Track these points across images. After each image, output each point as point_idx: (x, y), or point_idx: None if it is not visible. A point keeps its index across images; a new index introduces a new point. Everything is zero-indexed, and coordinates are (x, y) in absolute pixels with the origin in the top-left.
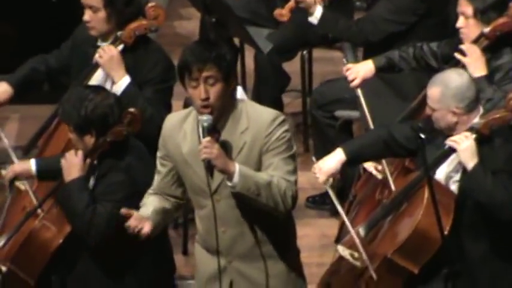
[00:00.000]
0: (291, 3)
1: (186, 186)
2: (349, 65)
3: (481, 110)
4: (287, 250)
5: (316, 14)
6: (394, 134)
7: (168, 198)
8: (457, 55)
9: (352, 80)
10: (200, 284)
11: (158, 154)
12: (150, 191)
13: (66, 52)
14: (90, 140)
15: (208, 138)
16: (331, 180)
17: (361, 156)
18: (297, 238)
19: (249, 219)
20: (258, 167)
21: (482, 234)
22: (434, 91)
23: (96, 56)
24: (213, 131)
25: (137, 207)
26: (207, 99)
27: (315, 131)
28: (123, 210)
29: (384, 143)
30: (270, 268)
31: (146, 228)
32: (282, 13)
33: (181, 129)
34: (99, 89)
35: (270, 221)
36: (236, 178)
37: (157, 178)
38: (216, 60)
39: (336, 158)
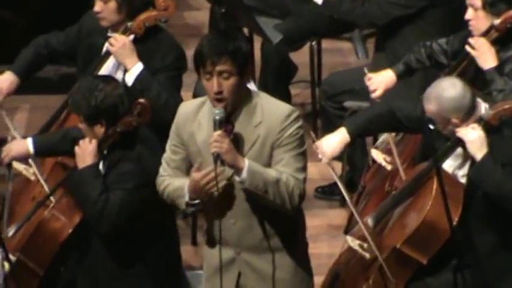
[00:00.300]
0: None
1: None
2: (370, 75)
3: (483, 105)
4: (295, 243)
5: None
6: (395, 112)
7: None
8: (467, 47)
9: (374, 91)
10: (208, 274)
11: (170, 142)
12: (164, 177)
13: (72, 38)
14: (100, 130)
15: (219, 132)
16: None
17: (364, 134)
18: (306, 230)
19: (258, 212)
20: (270, 162)
21: (491, 226)
22: (430, 107)
23: (107, 45)
24: (226, 123)
25: (148, 197)
26: (220, 92)
27: (323, 121)
28: (195, 171)
29: (384, 120)
30: (278, 260)
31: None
32: None
33: (196, 118)
34: (109, 79)
35: (279, 214)
36: (245, 174)
37: (168, 167)
38: (232, 54)
39: (339, 138)
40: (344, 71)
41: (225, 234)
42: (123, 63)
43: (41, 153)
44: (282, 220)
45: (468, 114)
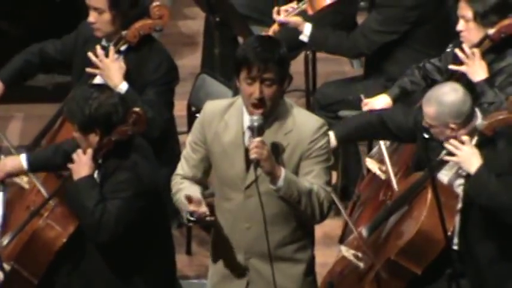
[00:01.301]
0: (275, 27)
1: (214, 175)
2: (366, 100)
3: (479, 115)
4: (306, 254)
5: (306, 32)
6: (385, 121)
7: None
8: (452, 67)
9: None
10: (215, 280)
11: (191, 139)
12: (177, 178)
13: (69, 46)
14: (94, 138)
15: (259, 139)
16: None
17: (350, 140)
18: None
19: (275, 220)
20: (296, 171)
21: (491, 235)
22: (429, 110)
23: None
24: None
25: (145, 206)
26: (262, 99)
27: None
28: (186, 194)
29: (373, 129)
30: (287, 270)
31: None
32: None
33: (222, 119)
34: (104, 87)
35: (295, 224)
36: (281, 182)
37: (186, 165)
38: (277, 63)
39: None
40: (337, 80)
41: (237, 238)
42: (108, 82)
43: (34, 169)
44: (296, 230)
45: (466, 121)
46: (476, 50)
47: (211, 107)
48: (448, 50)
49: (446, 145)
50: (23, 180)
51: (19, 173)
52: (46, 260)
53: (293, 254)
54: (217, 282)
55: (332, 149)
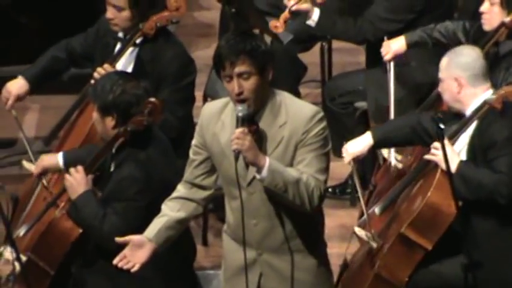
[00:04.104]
0: (285, 14)
1: (219, 176)
2: (385, 42)
3: (490, 89)
4: (316, 244)
5: (314, 17)
6: (422, 122)
7: (198, 191)
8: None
9: (385, 55)
10: (228, 274)
11: (193, 142)
12: (179, 185)
13: (90, 39)
14: (110, 123)
15: (241, 129)
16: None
17: (388, 140)
18: (324, 231)
19: (281, 214)
20: (293, 162)
21: (488, 211)
22: (444, 60)
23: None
24: (251, 122)
25: (149, 205)
26: (241, 93)
27: (330, 121)
28: (118, 240)
29: (411, 129)
30: (299, 262)
31: (136, 264)
32: (277, 25)
33: (219, 119)
34: (132, 78)
35: (301, 216)
36: (265, 172)
37: (189, 168)
38: (249, 54)
39: (363, 141)
40: (347, 72)
41: (247, 235)
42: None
43: (69, 167)
44: (303, 222)
45: (472, 79)
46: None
47: (208, 108)
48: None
49: (425, 156)
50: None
51: (55, 169)
52: (62, 250)
53: (303, 245)
54: (230, 277)
55: (369, 146)
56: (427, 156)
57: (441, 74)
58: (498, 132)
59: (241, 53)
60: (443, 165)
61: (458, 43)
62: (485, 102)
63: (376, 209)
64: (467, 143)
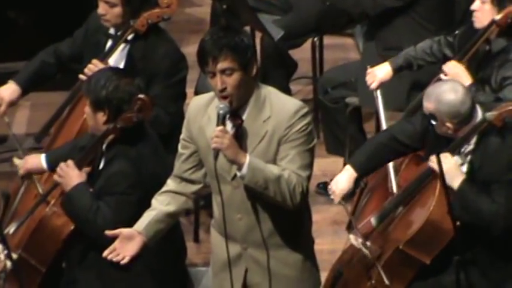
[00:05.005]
0: None
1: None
2: (370, 69)
3: (480, 114)
4: (302, 239)
5: None
6: (396, 136)
7: (187, 185)
8: (442, 76)
9: (370, 83)
10: (215, 269)
11: (181, 136)
12: (169, 179)
13: (79, 40)
14: (102, 118)
15: (220, 128)
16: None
17: (370, 166)
18: (312, 226)
19: (264, 208)
20: (276, 157)
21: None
22: (428, 106)
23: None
24: (235, 117)
25: (140, 200)
26: (224, 89)
27: (322, 115)
28: (108, 233)
29: (388, 148)
30: (284, 257)
31: (126, 256)
32: None
33: (206, 113)
34: (127, 75)
35: (286, 211)
36: (245, 170)
37: (177, 162)
38: (232, 49)
39: (347, 176)
40: (340, 65)
41: (232, 229)
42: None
43: (54, 168)
44: (287, 217)
45: (463, 122)
46: (455, 62)
47: (195, 102)
48: (458, 31)
49: (429, 163)
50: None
51: (39, 171)
52: (53, 248)
53: (288, 240)
54: (218, 272)
55: (354, 179)
56: (431, 164)
57: (431, 110)
58: (499, 155)
59: (223, 49)
60: (449, 181)
61: (447, 59)
62: (484, 120)
63: (373, 220)
64: (465, 159)
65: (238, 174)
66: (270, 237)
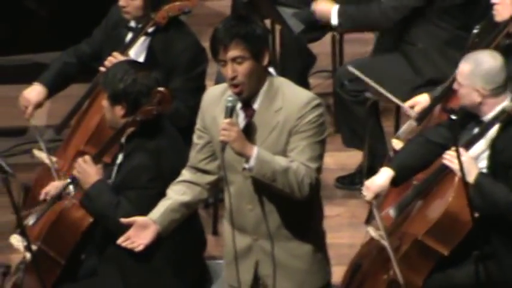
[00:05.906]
0: None
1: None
2: (409, 102)
3: (507, 101)
4: (312, 232)
5: (333, 21)
6: (431, 139)
7: (202, 175)
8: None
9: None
10: (227, 261)
11: (196, 126)
12: (184, 169)
13: (98, 37)
14: (119, 111)
15: (228, 120)
16: (375, 200)
17: (408, 167)
18: (323, 219)
19: (274, 200)
20: (286, 148)
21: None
22: (464, 67)
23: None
24: (247, 107)
25: (160, 194)
26: (235, 78)
27: (340, 109)
28: (123, 220)
29: (425, 150)
30: (294, 249)
31: (141, 244)
32: None
33: (219, 103)
34: (144, 68)
35: (296, 203)
36: (252, 162)
37: (192, 152)
38: (243, 38)
39: (383, 175)
40: (358, 59)
41: (243, 220)
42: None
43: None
44: (297, 208)
45: (495, 91)
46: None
47: (209, 92)
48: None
49: (443, 160)
50: (51, 161)
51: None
52: (73, 240)
53: (298, 232)
54: (230, 263)
55: (392, 178)
56: (445, 162)
57: (462, 81)
58: None
59: (235, 37)
60: (460, 173)
61: None
62: (504, 110)
63: (392, 211)
64: (487, 147)
65: (246, 166)
66: (280, 228)
